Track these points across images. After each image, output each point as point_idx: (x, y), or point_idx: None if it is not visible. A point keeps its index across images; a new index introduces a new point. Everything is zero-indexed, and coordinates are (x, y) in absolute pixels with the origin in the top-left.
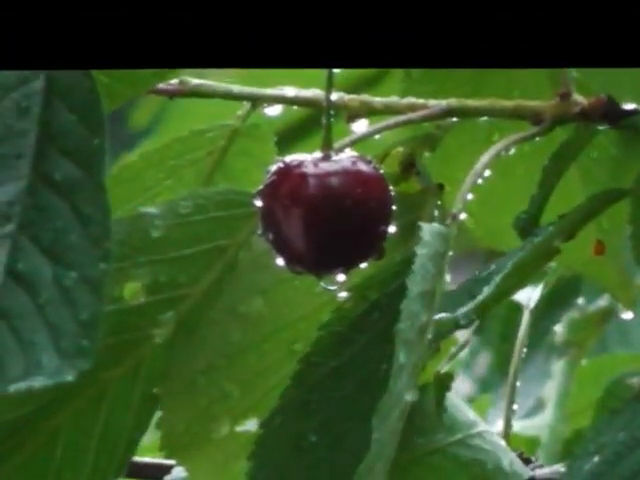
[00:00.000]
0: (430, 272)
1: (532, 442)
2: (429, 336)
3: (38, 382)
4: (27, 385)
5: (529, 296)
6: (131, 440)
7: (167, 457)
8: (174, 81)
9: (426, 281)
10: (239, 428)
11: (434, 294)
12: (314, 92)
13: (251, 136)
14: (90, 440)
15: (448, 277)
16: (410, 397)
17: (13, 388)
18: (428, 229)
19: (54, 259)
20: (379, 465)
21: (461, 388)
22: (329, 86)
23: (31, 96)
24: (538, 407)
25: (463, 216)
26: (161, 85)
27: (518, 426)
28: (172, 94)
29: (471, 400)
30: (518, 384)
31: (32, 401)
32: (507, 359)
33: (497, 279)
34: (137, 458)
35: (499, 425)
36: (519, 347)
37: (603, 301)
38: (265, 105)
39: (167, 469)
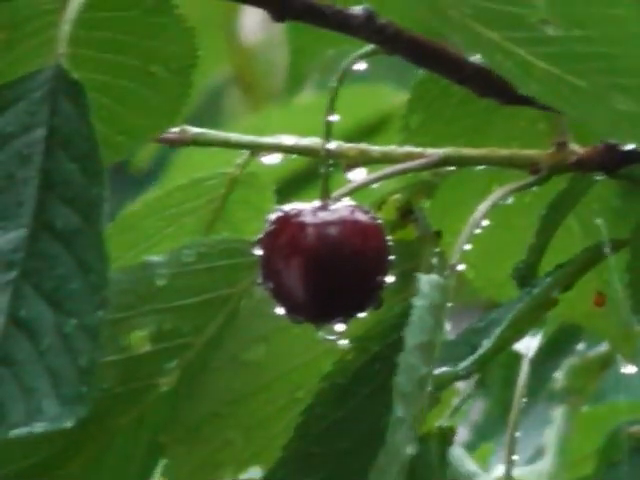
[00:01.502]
0: (428, 324)
1: None
2: (429, 389)
3: (38, 428)
4: (27, 431)
5: (528, 345)
6: None
7: None
8: (174, 130)
9: (424, 333)
10: (243, 476)
11: (433, 346)
12: (312, 141)
13: (250, 184)
14: None
15: (448, 326)
16: (410, 450)
17: (14, 433)
18: (426, 280)
19: (55, 306)
20: None
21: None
22: (327, 135)
23: (33, 144)
24: (539, 454)
25: (462, 267)
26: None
27: (518, 473)
28: (173, 143)
29: (468, 447)
30: (519, 432)
31: (42, 450)
32: (508, 407)
33: (496, 332)
34: None
35: (499, 472)
36: (518, 397)
37: (604, 347)
38: (264, 154)
39: None
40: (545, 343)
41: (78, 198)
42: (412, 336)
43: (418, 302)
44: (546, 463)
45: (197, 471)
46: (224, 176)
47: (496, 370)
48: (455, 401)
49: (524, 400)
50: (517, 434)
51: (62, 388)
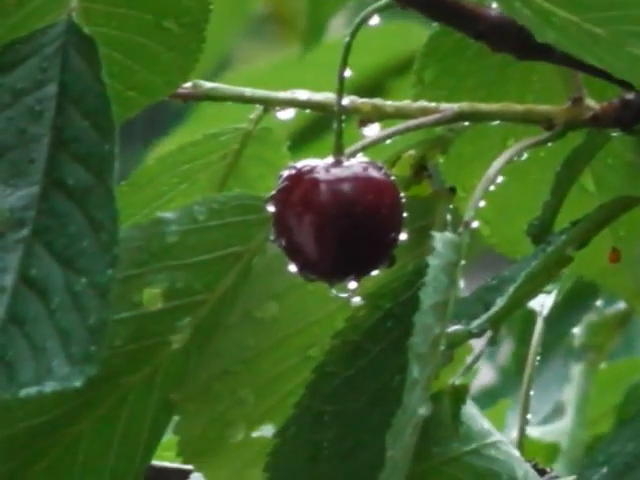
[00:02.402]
0: (443, 283)
1: (551, 449)
2: (442, 347)
3: (48, 387)
4: (37, 390)
5: (543, 303)
6: (148, 446)
7: (184, 463)
8: (187, 84)
9: (439, 293)
10: (255, 434)
11: (447, 305)
12: (326, 96)
13: (263, 140)
14: (110, 446)
15: (462, 283)
16: (424, 411)
17: (24, 393)
18: (440, 238)
19: (66, 265)
20: None
21: (483, 378)
22: (340, 90)
23: (44, 100)
24: (557, 412)
25: (476, 224)
26: None
27: (537, 432)
28: (185, 98)
29: (493, 390)
30: (536, 389)
31: (55, 407)
32: (524, 362)
33: (510, 290)
34: (156, 462)
35: (516, 431)
36: (532, 356)
37: (622, 304)
38: (277, 109)
39: (186, 474)
40: (561, 299)
41: (90, 155)
42: (427, 296)
43: (433, 261)
44: (565, 422)
45: (208, 429)
46: (237, 131)
47: (512, 324)
48: (469, 359)
49: (540, 357)
50: (534, 391)
51: (72, 347)
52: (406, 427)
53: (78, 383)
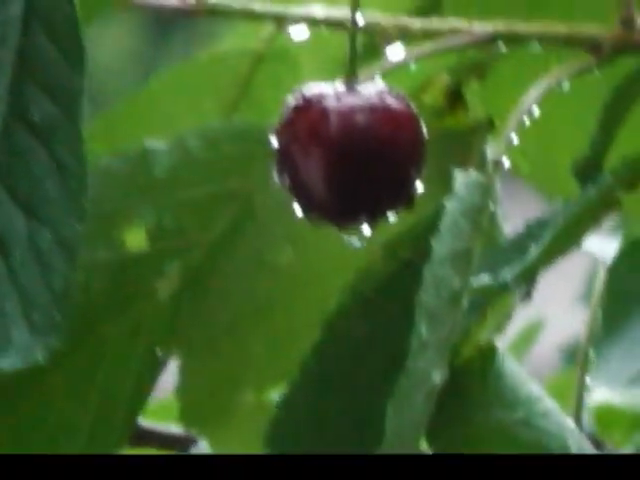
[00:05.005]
0: (464, 230)
1: (636, 418)
2: (465, 304)
3: (5, 364)
4: None
5: (603, 248)
6: (132, 406)
7: (186, 428)
8: None
9: (459, 241)
10: (267, 396)
11: (470, 254)
12: (345, 12)
13: (279, 62)
14: (86, 405)
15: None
16: (439, 377)
17: None
18: (463, 178)
19: (30, 213)
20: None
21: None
22: (355, 4)
23: (8, 22)
24: None
25: (508, 163)
26: (174, 2)
27: (619, 398)
28: (187, 13)
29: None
30: (620, 347)
31: None
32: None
33: (547, 237)
34: (162, 427)
35: (600, 394)
36: (594, 308)
37: None
38: (290, 27)
39: (193, 440)
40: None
41: (58, 86)
42: (442, 245)
43: (451, 205)
44: None
45: (215, 391)
46: (247, 52)
47: None
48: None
49: (625, 311)
50: (618, 350)
51: (34, 313)
52: (414, 395)
53: (40, 357)
